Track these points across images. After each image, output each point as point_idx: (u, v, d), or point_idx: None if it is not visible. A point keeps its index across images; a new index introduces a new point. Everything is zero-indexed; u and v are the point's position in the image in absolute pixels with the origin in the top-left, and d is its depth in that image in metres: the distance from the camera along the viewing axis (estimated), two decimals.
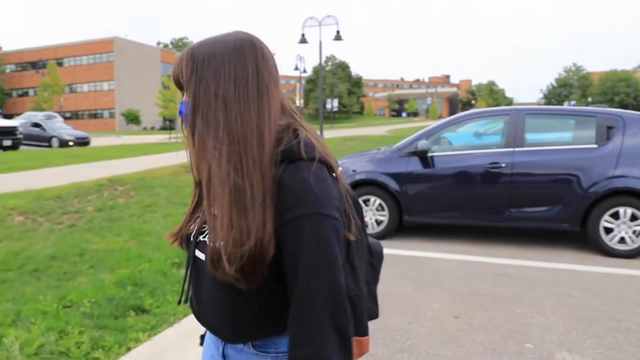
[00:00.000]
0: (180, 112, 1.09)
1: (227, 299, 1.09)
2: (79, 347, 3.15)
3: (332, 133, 34.86)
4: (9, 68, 74.24)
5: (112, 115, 68.83)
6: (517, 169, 5.77)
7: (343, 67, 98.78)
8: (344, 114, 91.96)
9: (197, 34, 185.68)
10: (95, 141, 28.35)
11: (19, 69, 74.32)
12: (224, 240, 1.01)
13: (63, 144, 24.54)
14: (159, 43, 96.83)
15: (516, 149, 5.85)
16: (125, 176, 10.34)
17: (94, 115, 69.87)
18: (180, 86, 1.10)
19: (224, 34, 1.10)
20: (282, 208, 1.00)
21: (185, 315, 3.76)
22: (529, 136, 5.95)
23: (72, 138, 25.19)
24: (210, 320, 1.17)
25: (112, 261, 5.10)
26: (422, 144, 6.16)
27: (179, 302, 1.26)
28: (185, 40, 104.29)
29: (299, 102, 41.12)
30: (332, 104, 54.13)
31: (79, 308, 3.80)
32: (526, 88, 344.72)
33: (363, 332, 1.22)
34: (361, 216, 1.25)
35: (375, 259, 1.32)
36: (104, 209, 7.78)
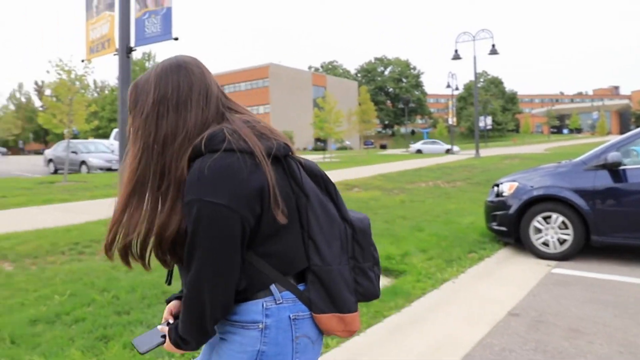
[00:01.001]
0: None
1: None
2: None
3: (487, 152, 33.46)
4: None
5: None
6: None
7: (496, 83, 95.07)
8: (497, 132, 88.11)
9: (347, 56, 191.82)
10: None
11: None
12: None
13: None
14: (310, 67, 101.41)
15: None
16: None
17: None
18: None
19: (162, 60, 1.33)
20: (184, 194, 1.20)
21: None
22: None
23: None
24: None
25: None
26: (613, 156, 5.56)
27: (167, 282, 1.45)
28: (334, 63, 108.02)
29: (452, 120, 40.10)
30: (485, 121, 52.03)
31: None
32: None
33: (342, 308, 1.31)
34: (335, 194, 1.39)
35: (359, 235, 1.38)
36: None
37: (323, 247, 1.31)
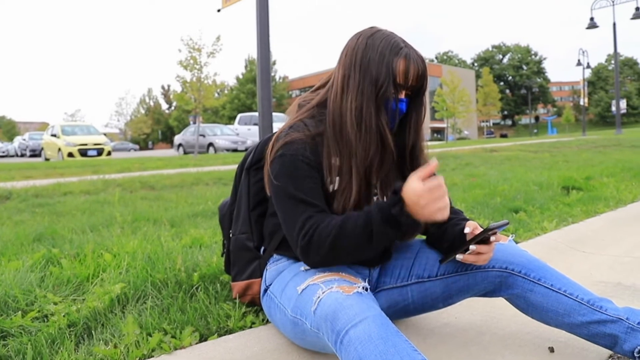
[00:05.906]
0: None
1: None
2: None
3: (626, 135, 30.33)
4: (294, 93, 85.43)
5: None
6: None
7: (630, 64, 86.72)
8: (632, 117, 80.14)
9: (462, 46, 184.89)
10: None
11: (302, 93, 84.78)
12: None
13: None
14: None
15: None
16: None
17: None
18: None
19: None
20: None
21: None
22: None
23: None
24: None
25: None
26: None
27: None
28: (449, 54, 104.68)
29: (584, 101, 36.81)
30: (619, 105, 47.14)
31: None
32: None
33: None
34: None
35: None
36: None
37: None
